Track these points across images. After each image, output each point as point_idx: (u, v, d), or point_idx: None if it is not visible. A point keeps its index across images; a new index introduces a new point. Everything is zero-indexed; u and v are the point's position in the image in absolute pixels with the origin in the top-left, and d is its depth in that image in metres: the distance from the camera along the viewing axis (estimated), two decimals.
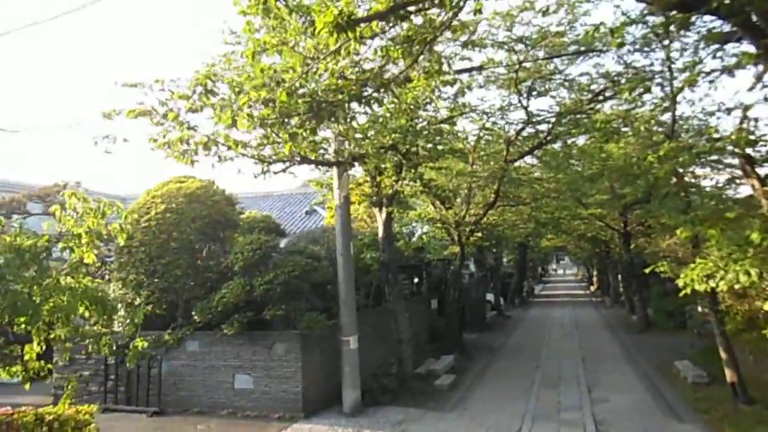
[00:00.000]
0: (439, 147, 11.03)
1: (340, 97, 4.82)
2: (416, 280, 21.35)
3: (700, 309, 18.50)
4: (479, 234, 20.87)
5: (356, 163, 9.74)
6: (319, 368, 11.16)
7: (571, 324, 25.68)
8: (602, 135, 10.21)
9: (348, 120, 4.93)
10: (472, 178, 13.89)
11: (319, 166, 9.53)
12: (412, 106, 8.71)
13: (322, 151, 8.84)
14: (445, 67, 6.79)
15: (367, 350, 12.91)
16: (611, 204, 22.27)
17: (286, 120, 5.14)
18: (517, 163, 16.62)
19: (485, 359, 16.70)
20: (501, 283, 36.78)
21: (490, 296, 31.82)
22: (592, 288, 53.03)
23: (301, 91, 4.76)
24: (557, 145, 16.78)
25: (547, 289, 60.24)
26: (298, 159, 7.68)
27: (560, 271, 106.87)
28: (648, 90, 8.99)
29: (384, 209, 11.95)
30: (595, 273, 52.49)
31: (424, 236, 16.90)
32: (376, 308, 14.02)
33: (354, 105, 5.44)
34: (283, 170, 7.85)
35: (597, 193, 21.81)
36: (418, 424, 10.05)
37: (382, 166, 11.06)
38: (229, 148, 7.20)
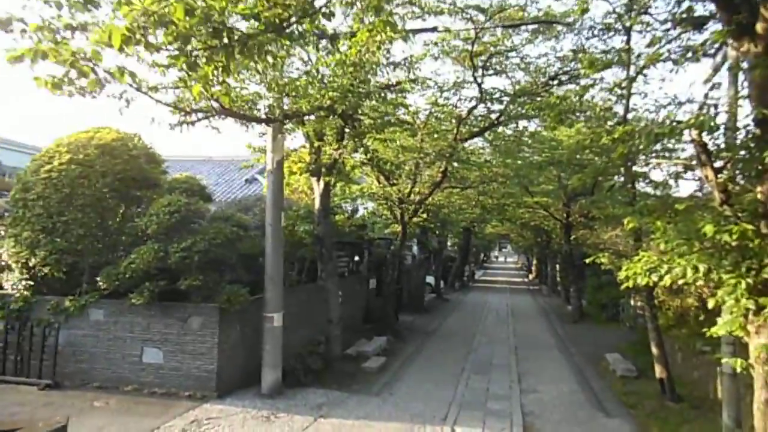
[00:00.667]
0: (386, 117, 10.25)
1: (255, 25, 3.97)
2: (356, 258, 20.71)
3: (632, 303, 18.80)
4: (424, 215, 20.40)
5: (290, 123, 8.84)
6: (238, 345, 10.32)
7: (508, 311, 25.82)
8: (556, 115, 9.70)
9: (266, 58, 4.07)
10: (419, 155, 13.23)
11: (250, 125, 8.55)
12: (355, 65, 7.87)
13: (251, 106, 7.87)
14: (395, 22, 6.02)
15: (295, 329, 12.18)
16: (556, 194, 22.32)
17: (191, 52, 4.23)
18: (467, 144, 16.13)
19: (418, 342, 16.30)
20: (443, 266, 36.77)
21: (430, 279, 31.68)
22: (531, 276, 54.26)
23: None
24: (509, 129, 16.40)
25: (487, 274, 61.22)
26: (217, 109, 6.72)
27: (501, 259, 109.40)
28: (608, 65, 8.51)
29: (322, 179, 11.11)
30: (534, 262, 53.68)
31: (366, 212, 16.13)
32: (308, 285, 13.25)
33: (276, 46, 4.59)
34: (199, 120, 6.84)
35: (544, 182, 21.76)
36: (338, 408, 9.43)
37: (322, 131, 10.20)
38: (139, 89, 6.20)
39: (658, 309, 13.75)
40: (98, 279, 9.57)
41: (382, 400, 10.10)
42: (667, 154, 8.29)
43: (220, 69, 4.50)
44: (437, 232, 29.06)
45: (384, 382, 11.38)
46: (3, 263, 10.52)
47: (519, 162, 17.67)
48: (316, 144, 10.28)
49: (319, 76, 7.62)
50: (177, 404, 9.20)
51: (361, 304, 18.32)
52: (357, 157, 11.46)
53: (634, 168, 9.15)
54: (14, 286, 10.31)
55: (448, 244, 41.93)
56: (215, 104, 6.74)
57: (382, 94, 9.33)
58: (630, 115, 10.99)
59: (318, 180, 11.12)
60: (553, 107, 12.90)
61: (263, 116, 7.78)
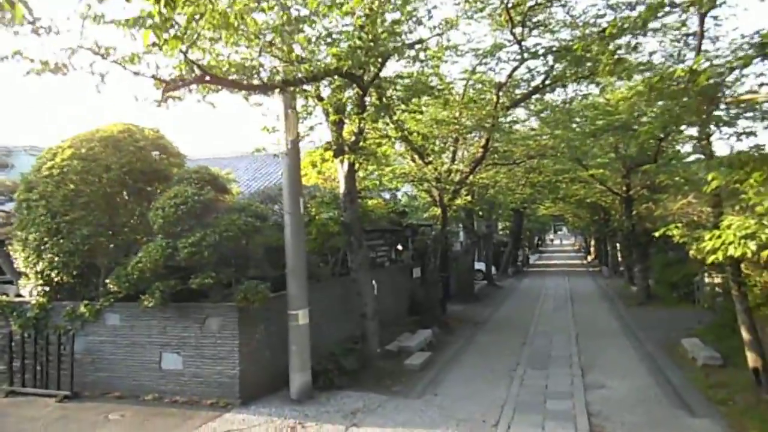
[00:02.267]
0: (414, 84, 9.00)
1: None
2: (398, 247, 19.58)
3: (708, 280, 16.76)
4: (468, 197, 19.01)
5: (298, 93, 7.75)
6: (263, 347, 9.41)
7: (566, 295, 24.06)
8: (608, 59, 8.15)
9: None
10: (456, 127, 11.85)
11: (253, 95, 7.47)
12: (368, 16, 6.68)
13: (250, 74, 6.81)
14: None
15: (327, 326, 11.23)
16: (613, 166, 20.38)
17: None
18: (510, 115, 14.63)
19: (468, 334, 15.02)
20: (494, 251, 35.12)
21: (480, 265, 30.20)
22: (590, 258, 51.62)
23: None
24: (557, 95, 14.75)
25: (543, 258, 58.87)
26: (200, 76, 5.70)
27: (557, 241, 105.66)
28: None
29: (345, 159, 10.01)
30: (592, 242, 50.98)
31: (405, 198, 14.90)
32: (341, 278, 12.23)
33: None
34: (186, 88, 5.82)
35: (599, 154, 19.90)
36: (375, 414, 8.34)
37: (341, 104, 9.08)
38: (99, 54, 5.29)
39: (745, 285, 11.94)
40: (107, 281, 8.84)
41: (425, 402, 8.94)
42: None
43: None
44: (484, 215, 27.50)
45: (428, 381, 10.22)
46: (20, 269, 10.01)
47: (570, 133, 15.94)
48: (332, 118, 9.16)
49: (324, 32, 6.48)
50: (197, 414, 8.37)
51: (404, 296, 17.17)
52: (382, 128, 10.19)
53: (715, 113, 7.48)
54: (31, 293, 9.79)
55: (498, 228, 40.18)
56: (198, 70, 5.72)
57: (408, 53, 8.04)
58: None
59: (341, 161, 10.03)
60: (606, 64, 11.29)
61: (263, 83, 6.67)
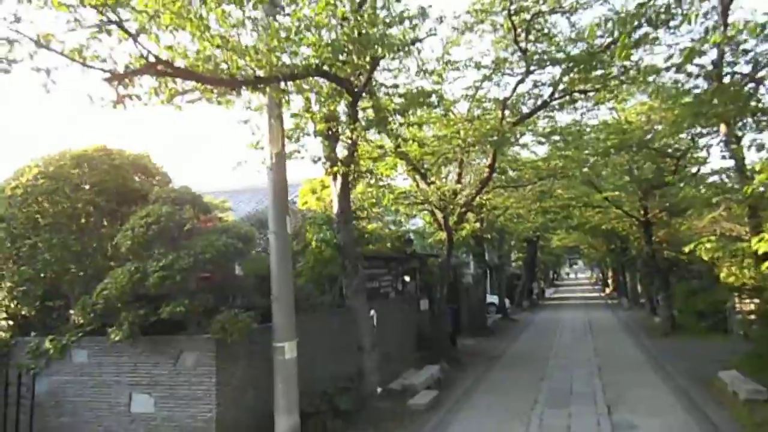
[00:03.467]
0: (403, 89, 8.23)
1: None
2: (406, 278, 18.55)
3: (739, 307, 15.50)
4: (476, 223, 18.06)
5: (285, 101, 6.98)
6: (246, 386, 8.35)
7: (585, 327, 22.67)
8: (625, 50, 7.30)
9: None
10: (458, 143, 11.01)
11: (236, 105, 6.71)
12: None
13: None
14: None
15: (325, 362, 10.16)
16: (628, 188, 19.38)
17: None
18: (517, 139, 13.82)
19: (480, 370, 13.80)
20: (507, 284, 33.84)
21: (493, 298, 28.94)
22: (607, 290, 49.98)
23: None
24: (566, 115, 13.93)
25: (559, 292, 57.17)
26: (159, 66, 4.94)
27: (573, 276, 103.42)
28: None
29: (338, 176, 9.17)
30: (610, 274, 49.40)
31: (401, 218, 13.93)
32: (339, 308, 11.21)
33: None
34: (137, 78, 5.03)
35: (612, 175, 18.97)
36: None
37: (332, 112, 8.31)
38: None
39: None
40: (71, 312, 7.94)
41: None
42: None
43: None
44: (495, 244, 26.42)
45: (434, 424, 9.07)
46: None
47: (581, 153, 15.04)
48: (319, 127, 8.35)
49: (302, 24, 5.74)
50: None
51: (411, 329, 16.00)
52: (375, 141, 9.34)
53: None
54: None
55: (512, 259, 38.96)
56: (152, 59, 4.96)
57: (402, 52, 7.27)
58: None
59: (334, 177, 9.20)
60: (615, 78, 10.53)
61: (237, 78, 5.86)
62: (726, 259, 11.61)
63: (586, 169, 17.44)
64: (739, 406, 9.19)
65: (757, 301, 13.65)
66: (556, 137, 14.80)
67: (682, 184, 14.60)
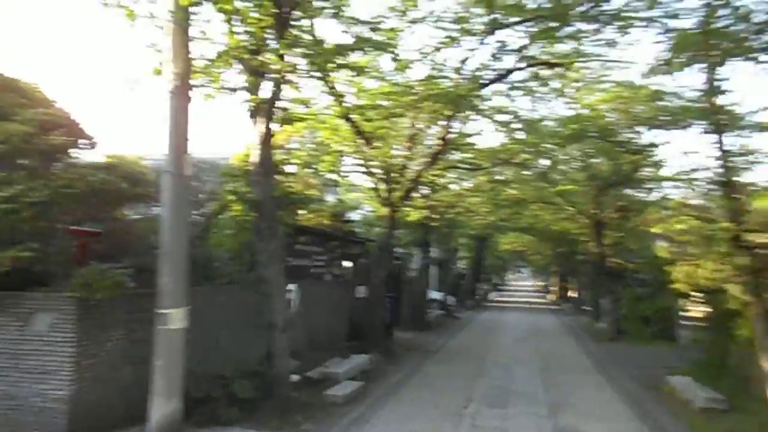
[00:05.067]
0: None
1: None
2: (344, 263, 17.11)
3: (687, 314, 14.88)
4: (424, 209, 16.82)
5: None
6: (120, 361, 6.72)
7: (528, 329, 21.87)
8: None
9: None
10: (408, 99, 9.56)
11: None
12: None
13: None
14: None
15: (232, 342, 8.65)
16: (583, 185, 18.60)
17: None
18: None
19: (413, 363, 12.51)
20: (453, 282, 32.91)
21: (437, 295, 27.87)
22: (550, 297, 50.05)
23: None
24: (525, 103, 12.78)
25: (503, 296, 56.97)
26: None
27: (517, 283, 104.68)
28: None
29: (259, 117, 7.62)
30: (554, 281, 49.53)
31: (341, 190, 12.36)
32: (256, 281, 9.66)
33: None
34: None
35: (567, 170, 18.15)
36: None
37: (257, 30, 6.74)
38: None
39: (735, 314, 10.00)
40: None
41: None
42: None
43: None
44: (442, 239, 25.31)
45: (351, 419, 7.67)
46: None
47: (538, 138, 13.97)
48: (232, 42, 6.73)
49: None
50: None
51: (344, 316, 14.56)
52: (306, 73, 7.79)
53: None
54: None
55: (459, 258, 38.13)
56: None
57: None
58: None
59: (254, 119, 7.64)
60: None
61: None
62: (683, 255, 10.79)
63: (542, 160, 16.54)
64: (694, 415, 8.23)
65: (706, 307, 13.02)
66: (515, 124, 13.74)
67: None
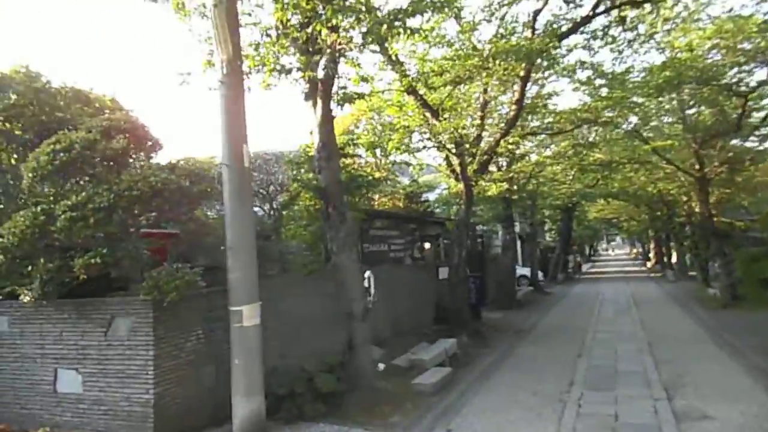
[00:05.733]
0: None
1: None
2: (425, 245, 16.63)
3: None
4: (503, 183, 15.89)
5: None
6: (200, 361, 6.64)
7: (628, 300, 20.31)
8: None
9: None
10: (474, 62, 8.75)
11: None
12: None
13: None
14: None
15: (305, 335, 8.42)
16: (681, 138, 16.77)
17: None
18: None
19: (505, 345, 11.81)
20: (541, 256, 31.49)
21: (525, 270, 26.75)
22: (649, 264, 46.81)
23: None
24: (608, 54, 11.52)
25: (596, 267, 54.18)
26: None
27: (610, 252, 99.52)
28: None
29: (319, 99, 7.22)
30: (652, 247, 46.19)
31: (414, 169, 11.66)
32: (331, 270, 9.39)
33: None
34: None
35: (660, 124, 16.43)
36: None
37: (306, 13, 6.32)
38: None
39: None
40: None
41: None
42: None
43: None
44: (526, 212, 24.10)
45: (442, 409, 7.18)
46: None
47: (627, 91, 12.59)
48: (291, 32, 6.31)
49: None
50: None
51: (427, 299, 14.09)
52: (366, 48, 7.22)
53: None
54: None
55: (546, 231, 36.47)
56: None
57: None
58: None
59: (314, 101, 7.25)
60: None
61: None
62: None
63: (632, 117, 15.05)
64: None
65: None
66: (598, 80, 12.45)
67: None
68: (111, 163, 6.17)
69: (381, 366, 9.02)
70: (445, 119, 10.00)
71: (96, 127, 6.70)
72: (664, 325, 13.79)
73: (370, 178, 9.43)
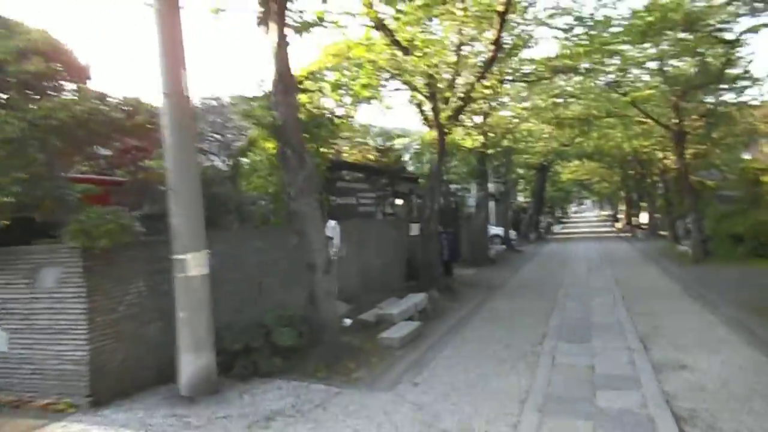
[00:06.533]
0: None
1: None
2: (398, 201, 16.11)
3: None
4: (479, 136, 15.32)
5: None
6: (144, 316, 6.00)
7: (600, 257, 20.26)
8: None
9: None
10: None
11: None
12: None
13: None
14: None
15: (275, 286, 7.89)
16: (660, 95, 16.36)
17: None
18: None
19: (478, 300, 11.47)
20: (514, 217, 31.33)
21: (498, 230, 26.56)
22: (618, 225, 47.39)
23: None
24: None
25: (567, 228, 54.62)
26: None
27: (581, 214, 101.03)
28: None
29: (271, 24, 6.43)
30: (623, 208, 46.70)
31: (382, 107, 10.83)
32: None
33: None
34: None
35: (642, 74, 15.96)
36: (303, 421, 4.90)
37: None
38: None
39: None
40: None
41: (395, 398, 5.47)
42: None
43: None
44: (501, 170, 23.68)
45: (409, 363, 6.75)
46: None
47: (607, 37, 11.98)
48: None
49: None
50: (13, 426, 5.03)
51: (399, 256, 13.59)
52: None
53: None
54: None
55: (519, 191, 36.31)
56: None
57: None
58: None
59: (264, 26, 6.45)
60: None
61: None
62: None
63: (611, 69, 14.50)
64: None
65: None
66: (579, 29, 11.79)
67: None
68: (26, 90, 5.34)
69: (347, 321, 8.54)
70: (417, 57, 9.22)
71: (6, 48, 5.80)
72: (638, 280, 13.65)
73: (333, 117, 8.65)
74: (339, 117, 9.04)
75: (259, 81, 7.35)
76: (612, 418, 4.70)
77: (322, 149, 8.66)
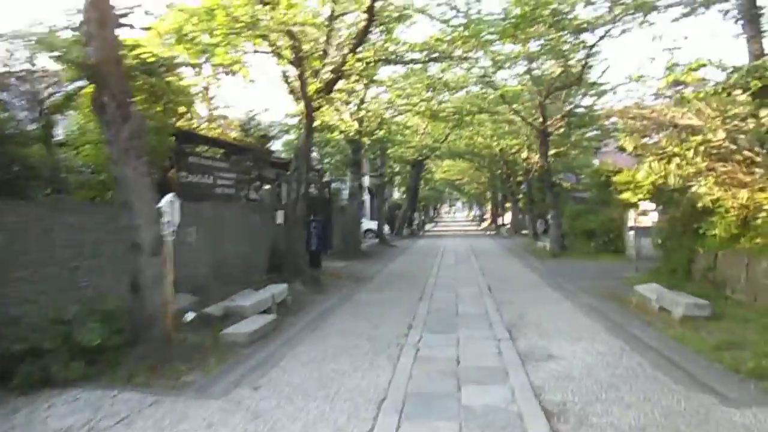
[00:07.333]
0: None
1: None
2: (265, 186, 14.77)
3: (632, 223, 13.78)
4: (353, 123, 14.59)
5: None
6: None
7: (467, 252, 20.64)
8: None
9: None
10: None
11: None
12: None
13: None
14: None
15: (93, 274, 6.41)
16: (528, 90, 16.91)
17: None
18: None
19: (344, 292, 10.72)
20: (388, 213, 31.36)
21: (372, 224, 26.32)
22: (484, 224, 50.04)
23: None
24: None
25: (438, 226, 56.66)
26: None
27: (452, 215, 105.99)
28: None
29: None
30: (489, 209, 49.37)
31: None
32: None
33: None
34: None
35: (512, 71, 16.34)
36: None
37: None
38: None
39: (717, 214, 8.73)
40: None
41: (227, 406, 4.44)
42: None
43: None
44: (376, 163, 23.33)
45: (254, 364, 5.71)
46: None
47: (481, 25, 11.84)
48: None
49: None
50: None
51: (262, 245, 12.38)
52: None
53: None
54: None
55: (395, 186, 36.52)
56: None
57: None
58: None
59: None
60: None
61: None
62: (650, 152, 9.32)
63: (484, 60, 14.59)
64: (675, 326, 6.88)
65: (662, 214, 11.93)
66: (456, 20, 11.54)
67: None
68: None
69: (190, 315, 7.25)
70: (279, 14, 8.06)
71: None
72: (502, 272, 13.81)
73: (171, 64, 7.23)
74: (180, 65, 7.66)
75: (67, 10, 5.82)
76: (478, 416, 4.10)
77: (165, 110, 7.25)
